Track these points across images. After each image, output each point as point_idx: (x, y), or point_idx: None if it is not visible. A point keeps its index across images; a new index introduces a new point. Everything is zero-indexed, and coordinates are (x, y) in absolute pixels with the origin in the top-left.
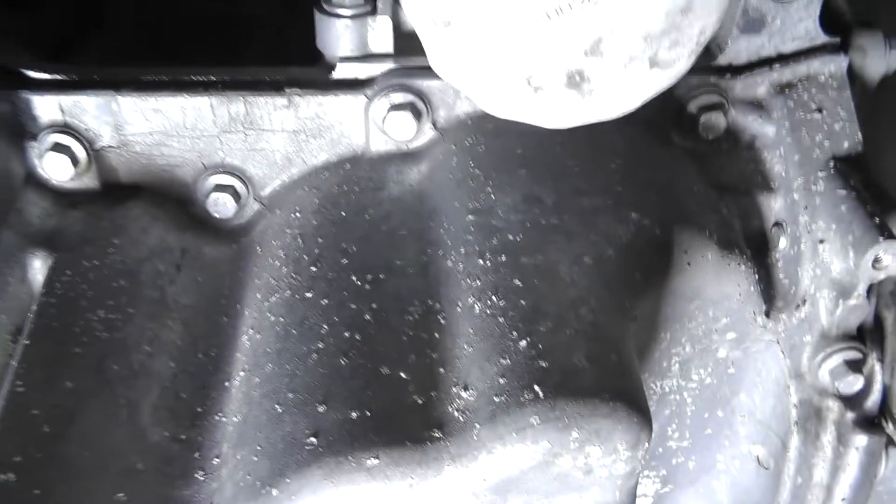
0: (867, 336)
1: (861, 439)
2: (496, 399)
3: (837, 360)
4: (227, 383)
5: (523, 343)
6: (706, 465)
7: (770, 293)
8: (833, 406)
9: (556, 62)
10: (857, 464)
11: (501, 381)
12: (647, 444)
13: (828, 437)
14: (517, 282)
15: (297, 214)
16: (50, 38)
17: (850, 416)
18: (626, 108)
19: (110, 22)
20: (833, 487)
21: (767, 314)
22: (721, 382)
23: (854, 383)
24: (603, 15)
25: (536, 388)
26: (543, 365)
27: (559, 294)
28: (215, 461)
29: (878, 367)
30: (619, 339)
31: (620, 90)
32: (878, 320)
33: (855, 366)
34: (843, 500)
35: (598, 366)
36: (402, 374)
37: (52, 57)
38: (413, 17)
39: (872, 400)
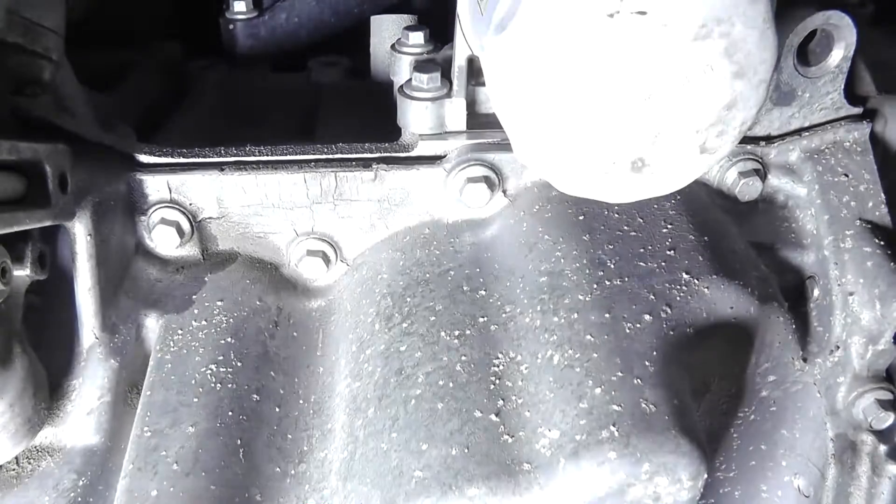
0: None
1: (893, 469)
2: (577, 437)
3: (869, 399)
4: (329, 425)
5: (598, 390)
6: (751, 494)
7: (806, 339)
8: (867, 440)
9: (622, 152)
10: (889, 492)
11: (582, 422)
12: (705, 475)
13: (863, 468)
14: (589, 337)
15: (385, 276)
16: (140, 111)
17: (883, 448)
18: (677, 186)
19: (196, 97)
20: None
21: (805, 359)
22: (764, 419)
23: (886, 419)
24: (662, 114)
25: (612, 428)
26: (617, 409)
27: (625, 348)
28: (326, 492)
29: None
30: (678, 385)
31: (674, 172)
32: None
33: (886, 404)
34: None
35: (663, 409)
36: (493, 417)
37: (143, 127)
38: (502, 116)
39: None
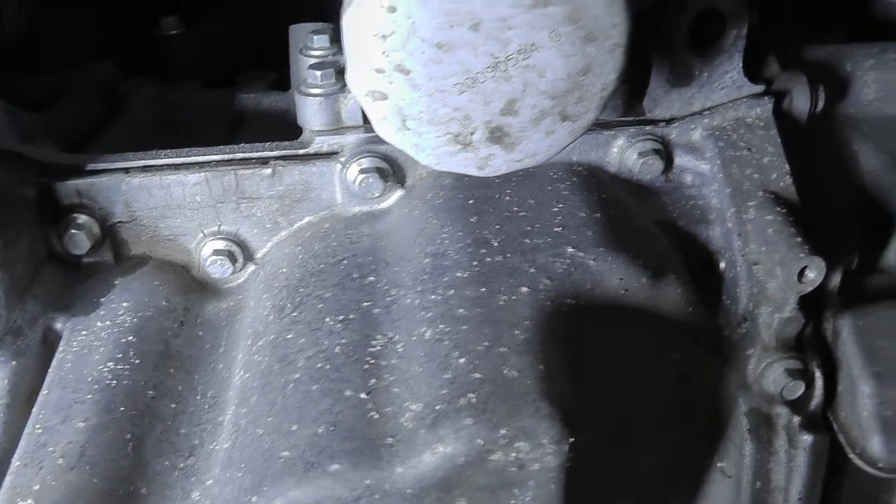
0: (806, 345)
1: (807, 440)
2: (438, 407)
3: (779, 368)
4: (220, 418)
5: (462, 360)
6: (675, 480)
7: (714, 314)
8: (781, 412)
9: (476, 122)
10: (806, 463)
11: (443, 392)
12: (570, 439)
13: (780, 442)
14: (462, 311)
15: (284, 269)
16: (71, 131)
17: (796, 419)
18: (547, 155)
19: (128, 114)
20: (790, 489)
21: (712, 333)
22: (675, 401)
23: (796, 389)
24: (511, 82)
25: (471, 395)
26: (478, 376)
27: (496, 319)
28: (209, 483)
29: (817, 373)
30: (547, 353)
31: (539, 141)
32: (817, 331)
33: (796, 373)
34: (800, 499)
35: (525, 375)
36: (363, 395)
37: (74, 147)
38: (356, 93)
39: (815, 403)
